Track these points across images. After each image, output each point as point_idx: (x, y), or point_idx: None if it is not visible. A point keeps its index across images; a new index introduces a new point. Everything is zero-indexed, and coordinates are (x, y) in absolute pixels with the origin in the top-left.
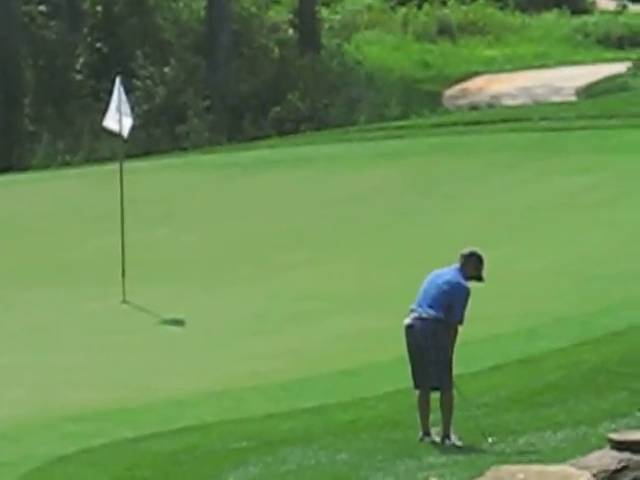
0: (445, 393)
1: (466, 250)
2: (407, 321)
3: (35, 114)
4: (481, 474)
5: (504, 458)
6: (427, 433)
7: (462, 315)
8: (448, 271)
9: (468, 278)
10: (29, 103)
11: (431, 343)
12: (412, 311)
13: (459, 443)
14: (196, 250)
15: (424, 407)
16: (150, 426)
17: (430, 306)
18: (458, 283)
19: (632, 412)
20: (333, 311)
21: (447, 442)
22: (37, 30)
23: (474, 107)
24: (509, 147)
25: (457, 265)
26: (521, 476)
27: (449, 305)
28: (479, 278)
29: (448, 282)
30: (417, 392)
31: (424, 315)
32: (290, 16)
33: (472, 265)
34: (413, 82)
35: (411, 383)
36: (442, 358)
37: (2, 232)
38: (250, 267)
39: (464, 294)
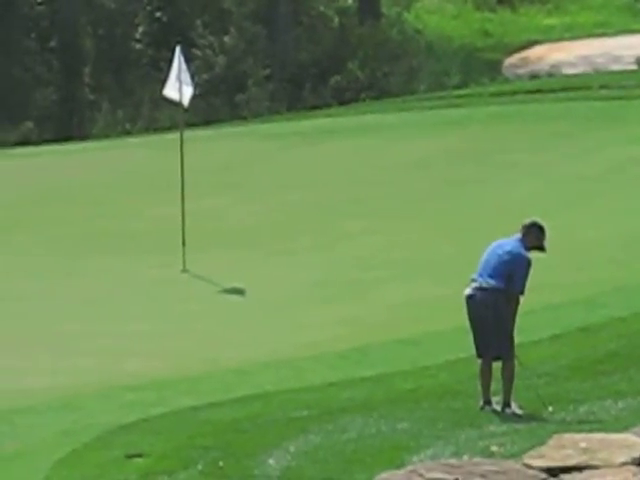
0: (506, 363)
1: (527, 220)
2: (468, 291)
3: (95, 83)
4: (542, 443)
5: (565, 427)
6: (488, 402)
7: (523, 285)
8: (509, 241)
9: (529, 248)
10: (89, 72)
11: (491, 313)
12: (473, 281)
13: (519, 412)
14: (256, 219)
15: (486, 376)
16: (211, 395)
17: (491, 276)
18: (519, 253)
19: None
20: (392, 279)
21: (507, 410)
22: None
23: (534, 76)
24: (569, 116)
25: (518, 235)
26: (583, 444)
27: (510, 275)
28: (541, 248)
29: (509, 252)
30: (479, 361)
31: (485, 285)
32: None
33: (533, 235)
34: (473, 51)
35: (473, 352)
36: (503, 328)
37: (63, 201)
38: (310, 236)
39: (525, 264)
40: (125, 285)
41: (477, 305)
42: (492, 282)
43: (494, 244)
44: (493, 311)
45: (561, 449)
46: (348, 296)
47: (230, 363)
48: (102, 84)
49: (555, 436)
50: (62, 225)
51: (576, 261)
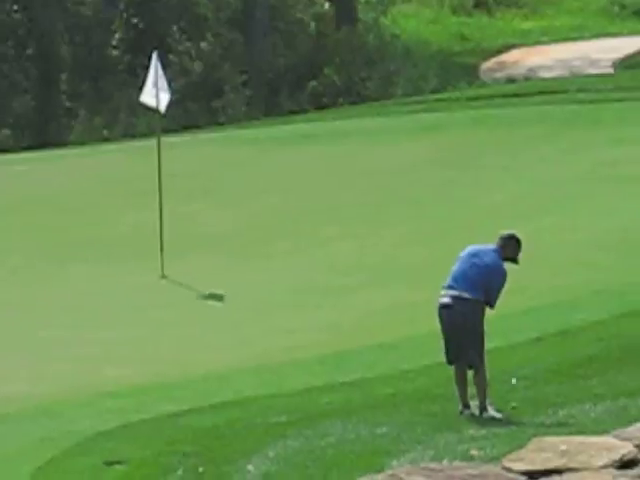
0: (478, 370)
1: (506, 233)
2: (444, 300)
3: (72, 90)
4: (521, 446)
5: (544, 430)
6: (467, 406)
7: (497, 298)
8: (486, 252)
9: (504, 259)
10: (66, 79)
11: (469, 324)
12: (449, 288)
13: (498, 415)
14: (234, 224)
15: (461, 381)
16: (190, 401)
17: (469, 287)
18: (499, 267)
19: None
20: (370, 284)
21: (485, 415)
22: (73, 6)
23: (511, 80)
24: (546, 119)
25: (493, 246)
26: (563, 447)
27: (487, 287)
28: (515, 260)
29: (488, 265)
30: (452, 368)
31: (465, 295)
32: None
33: (511, 248)
34: (450, 55)
35: (447, 359)
36: (477, 338)
37: (41, 208)
38: (287, 241)
39: (503, 278)
40: (104, 291)
41: (454, 315)
42: (473, 294)
43: (468, 251)
44: (471, 322)
45: (541, 452)
46: (326, 301)
47: (209, 369)
48: (79, 91)
49: (534, 439)
50: (40, 232)
51: (554, 264)
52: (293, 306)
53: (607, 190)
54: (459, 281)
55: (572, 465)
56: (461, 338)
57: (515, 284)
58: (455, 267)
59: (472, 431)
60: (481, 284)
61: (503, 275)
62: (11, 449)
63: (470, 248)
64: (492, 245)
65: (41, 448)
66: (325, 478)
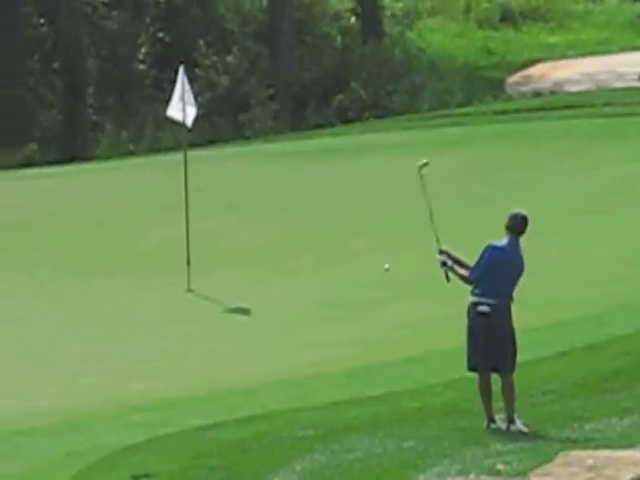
0: (507, 377)
1: (514, 212)
2: (483, 308)
3: (98, 104)
4: (548, 460)
5: (570, 445)
6: (492, 420)
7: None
8: (515, 253)
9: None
10: (92, 93)
11: (507, 328)
12: (482, 296)
13: (525, 429)
14: (260, 238)
15: (486, 393)
16: (216, 415)
17: (506, 293)
18: (523, 263)
19: None
20: (396, 299)
21: (512, 427)
22: (99, 20)
23: (537, 94)
24: (572, 133)
25: (513, 236)
26: (590, 461)
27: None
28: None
29: (521, 268)
30: (478, 376)
31: (499, 303)
32: (352, 4)
33: (521, 225)
34: (476, 69)
35: (470, 365)
36: (512, 340)
37: (67, 222)
38: (314, 255)
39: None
40: (130, 305)
41: (493, 322)
42: (509, 299)
43: (500, 257)
44: (509, 325)
45: (567, 466)
46: (352, 315)
47: (235, 383)
48: (105, 105)
49: (561, 454)
50: (67, 246)
51: (581, 279)
52: (320, 320)
53: (633, 205)
54: (497, 288)
55: None
56: (498, 342)
57: (541, 298)
58: (483, 272)
59: (499, 445)
60: (515, 286)
61: (523, 265)
62: (39, 463)
63: (493, 253)
64: (506, 236)
65: (68, 462)
66: None
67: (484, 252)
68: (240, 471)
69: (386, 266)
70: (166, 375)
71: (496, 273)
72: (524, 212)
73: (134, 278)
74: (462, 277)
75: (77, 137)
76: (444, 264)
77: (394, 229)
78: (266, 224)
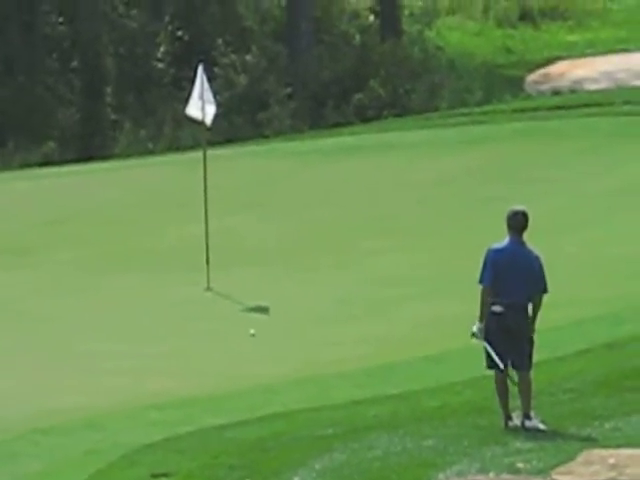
0: (524, 373)
1: (513, 210)
2: (496, 308)
3: (117, 102)
4: (568, 459)
5: (591, 443)
6: (509, 417)
7: (546, 283)
8: (522, 251)
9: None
10: (111, 92)
11: (524, 327)
12: (502, 295)
13: (542, 427)
14: (279, 237)
15: (503, 389)
16: (236, 413)
17: (520, 293)
18: (536, 258)
19: None
20: (416, 297)
21: (527, 423)
22: (118, 19)
23: (556, 92)
24: (592, 132)
25: (515, 236)
26: (612, 460)
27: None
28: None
29: (531, 267)
30: (495, 374)
31: (513, 302)
32: (371, 3)
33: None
34: (495, 68)
35: (488, 364)
36: (529, 337)
37: (87, 220)
38: (333, 254)
39: (541, 265)
40: (149, 304)
41: (509, 321)
42: (523, 298)
43: (502, 258)
44: (525, 323)
45: (589, 465)
46: (372, 314)
47: (255, 381)
48: (124, 103)
49: (584, 452)
50: (86, 244)
51: (601, 277)
52: (338, 318)
53: None
54: (510, 289)
55: (621, 478)
56: (517, 339)
57: (562, 296)
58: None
59: (518, 444)
60: (529, 286)
61: (541, 262)
62: (57, 462)
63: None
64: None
65: (87, 460)
66: None
67: (485, 257)
68: (259, 470)
69: (252, 332)
70: (185, 373)
71: (504, 274)
72: (523, 208)
73: (153, 276)
74: (481, 304)
75: (96, 136)
76: (476, 335)
77: (413, 228)
78: (285, 223)
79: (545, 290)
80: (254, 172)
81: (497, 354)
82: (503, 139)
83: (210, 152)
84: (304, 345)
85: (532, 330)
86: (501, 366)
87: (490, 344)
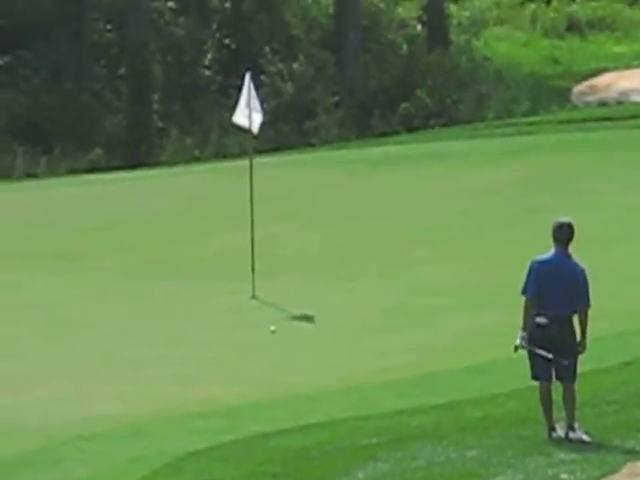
0: (570, 385)
1: (558, 222)
2: (540, 320)
3: (164, 110)
4: (612, 471)
5: (635, 455)
6: (553, 428)
7: (589, 298)
8: (567, 263)
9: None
10: (158, 99)
11: (568, 339)
12: (545, 307)
13: (587, 438)
14: (325, 246)
15: (547, 400)
16: (280, 422)
17: (563, 304)
18: (582, 271)
19: None
20: (460, 307)
21: (572, 435)
22: (166, 26)
23: (603, 103)
24: (638, 144)
25: (561, 248)
26: None
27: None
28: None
29: (575, 279)
30: (539, 385)
31: (557, 314)
32: (419, 12)
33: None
34: (542, 78)
35: (533, 374)
36: (574, 349)
37: (133, 227)
38: (378, 263)
39: (586, 277)
40: (194, 311)
41: (551, 332)
42: (567, 310)
43: (546, 270)
44: (569, 336)
45: (634, 477)
46: (416, 323)
47: (299, 390)
48: (171, 111)
49: (628, 464)
50: (132, 251)
51: None
52: (383, 328)
53: None
54: (554, 301)
55: None
56: (563, 351)
57: (605, 308)
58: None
59: (562, 455)
60: (572, 297)
61: (585, 275)
62: (102, 468)
63: (537, 267)
64: (554, 246)
65: (131, 468)
66: None
67: (529, 268)
68: (303, 478)
69: (272, 328)
70: (229, 381)
71: (548, 286)
72: (568, 220)
73: (198, 284)
74: (525, 314)
75: (142, 143)
76: (519, 348)
77: (459, 238)
78: (331, 231)
79: (588, 305)
80: (300, 180)
81: (542, 365)
82: (549, 150)
83: (256, 160)
84: (348, 354)
85: (583, 347)
86: (550, 356)
87: (536, 354)
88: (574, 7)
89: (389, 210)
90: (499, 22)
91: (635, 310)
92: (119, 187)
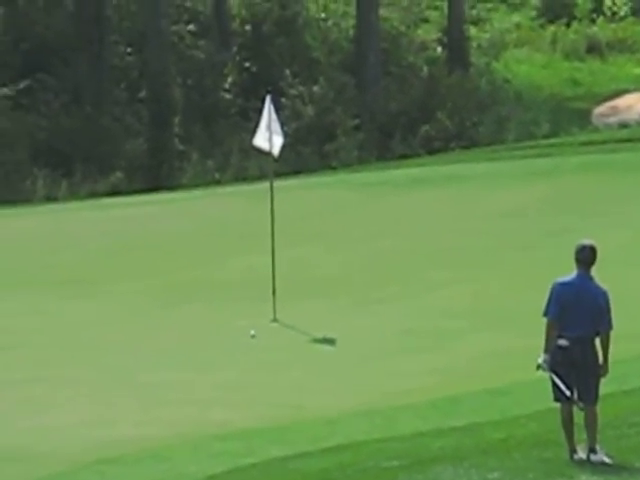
0: (591, 407)
1: (581, 245)
2: (562, 342)
3: (184, 133)
4: None
5: None
6: (574, 450)
7: (611, 320)
8: (589, 286)
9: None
10: (178, 122)
11: (590, 361)
12: (567, 329)
13: (608, 460)
14: (346, 268)
15: (569, 421)
16: (300, 445)
17: (586, 327)
18: (603, 294)
19: None
20: (481, 329)
21: (593, 457)
22: (186, 49)
23: (624, 125)
24: None
25: (581, 268)
26: None
27: (599, 317)
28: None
29: (596, 302)
30: (560, 407)
31: (579, 336)
32: (439, 35)
33: (591, 256)
34: (562, 100)
35: (555, 396)
36: (597, 371)
37: (153, 250)
38: (398, 285)
39: (608, 301)
40: (214, 334)
41: (576, 355)
42: (589, 332)
43: (569, 292)
44: (591, 358)
45: None
46: (437, 345)
47: (319, 412)
48: (191, 134)
49: None
50: (152, 275)
51: None
52: (404, 350)
53: None
54: (576, 323)
55: None
56: (582, 373)
57: (628, 330)
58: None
59: (584, 477)
60: (594, 320)
61: (607, 298)
62: None
63: (559, 289)
64: (576, 268)
65: None
66: None
67: (551, 290)
68: None
69: (252, 332)
70: (249, 404)
71: (569, 308)
72: (591, 242)
73: (219, 306)
74: (546, 336)
75: (163, 166)
76: (541, 367)
77: (479, 260)
78: (351, 254)
79: (610, 328)
80: (321, 203)
81: (564, 383)
82: (570, 172)
83: (277, 183)
84: (369, 376)
85: (605, 370)
86: (567, 393)
87: (556, 374)
88: (594, 29)
89: (409, 232)
90: (519, 44)
91: None
92: (140, 210)
